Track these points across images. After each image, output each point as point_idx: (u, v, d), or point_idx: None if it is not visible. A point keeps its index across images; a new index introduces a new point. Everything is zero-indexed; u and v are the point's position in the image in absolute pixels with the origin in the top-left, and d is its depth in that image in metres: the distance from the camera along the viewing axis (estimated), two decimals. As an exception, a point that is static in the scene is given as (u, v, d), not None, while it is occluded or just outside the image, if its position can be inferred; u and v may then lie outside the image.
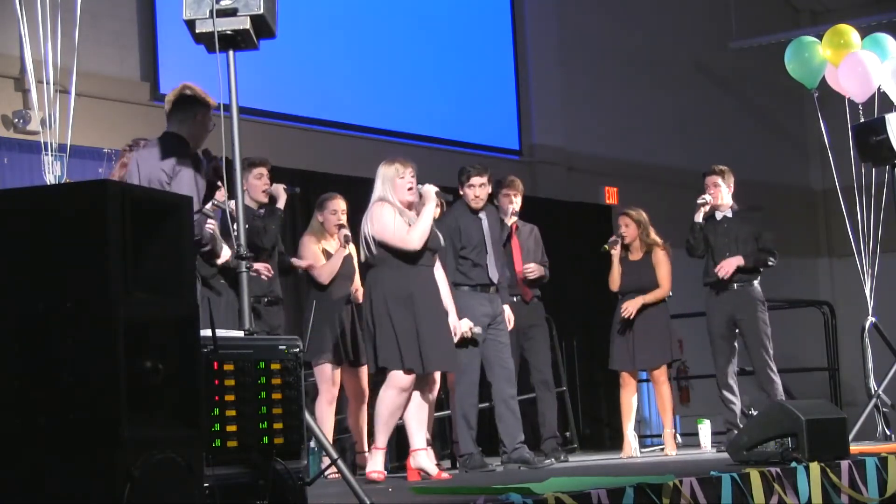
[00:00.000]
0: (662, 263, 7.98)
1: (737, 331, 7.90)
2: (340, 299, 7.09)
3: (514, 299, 7.54)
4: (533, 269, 7.67)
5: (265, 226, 6.87)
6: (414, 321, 6.03)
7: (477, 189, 7.06)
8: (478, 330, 6.76)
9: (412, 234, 6.09)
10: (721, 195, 7.95)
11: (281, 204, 6.97)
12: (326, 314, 6.93)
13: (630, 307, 7.85)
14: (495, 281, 7.01)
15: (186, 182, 5.21)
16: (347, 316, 7.09)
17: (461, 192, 7.14)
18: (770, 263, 7.89)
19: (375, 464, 6.13)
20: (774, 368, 7.79)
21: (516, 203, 7.68)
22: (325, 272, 7.06)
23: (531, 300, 7.72)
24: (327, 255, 7.10)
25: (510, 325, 7.18)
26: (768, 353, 7.79)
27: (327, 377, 6.98)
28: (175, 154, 5.28)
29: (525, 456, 6.84)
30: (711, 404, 9.31)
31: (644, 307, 7.88)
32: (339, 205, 7.15)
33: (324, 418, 6.97)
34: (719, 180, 7.96)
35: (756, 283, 7.89)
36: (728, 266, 7.78)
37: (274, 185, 6.99)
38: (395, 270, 6.11)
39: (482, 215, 7.09)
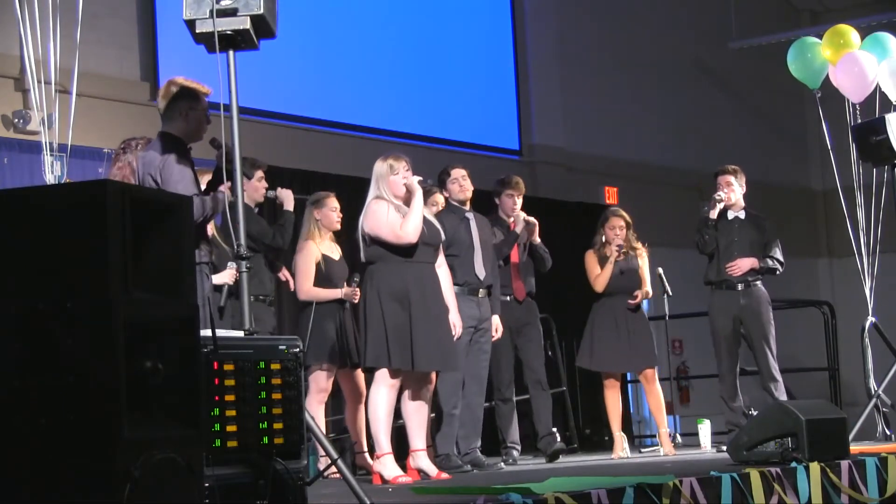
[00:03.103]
0: (647, 266, 7.96)
1: (741, 331, 7.89)
2: (336, 301, 7.08)
3: (507, 298, 7.50)
4: (519, 218, 7.55)
5: (283, 224, 6.89)
6: (408, 318, 6.00)
7: (460, 181, 7.10)
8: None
9: (405, 228, 6.05)
10: (734, 194, 7.94)
11: (290, 206, 6.96)
12: (323, 317, 6.93)
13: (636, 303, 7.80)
14: (482, 278, 6.97)
15: (174, 181, 5.18)
16: (346, 317, 7.10)
17: (446, 193, 7.16)
18: (777, 273, 7.90)
19: (392, 470, 6.04)
20: (777, 368, 7.79)
21: (519, 204, 7.66)
22: (303, 291, 7.05)
23: (524, 299, 7.66)
24: (325, 259, 7.08)
25: (497, 335, 7.14)
26: (772, 353, 7.77)
27: (319, 381, 6.98)
28: (164, 154, 5.25)
29: (478, 459, 6.85)
30: (711, 404, 9.31)
31: (630, 310, 7.82)
32: (335, 202, 7.16)
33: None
34: (732, 179, 7.91)
35: (760, 283, 7.87)
36: (742, 265, 7.76)
37: (281, 189, 7.00)
38: (391, 266, 6.08)
39: (469, 216, 7.09)
